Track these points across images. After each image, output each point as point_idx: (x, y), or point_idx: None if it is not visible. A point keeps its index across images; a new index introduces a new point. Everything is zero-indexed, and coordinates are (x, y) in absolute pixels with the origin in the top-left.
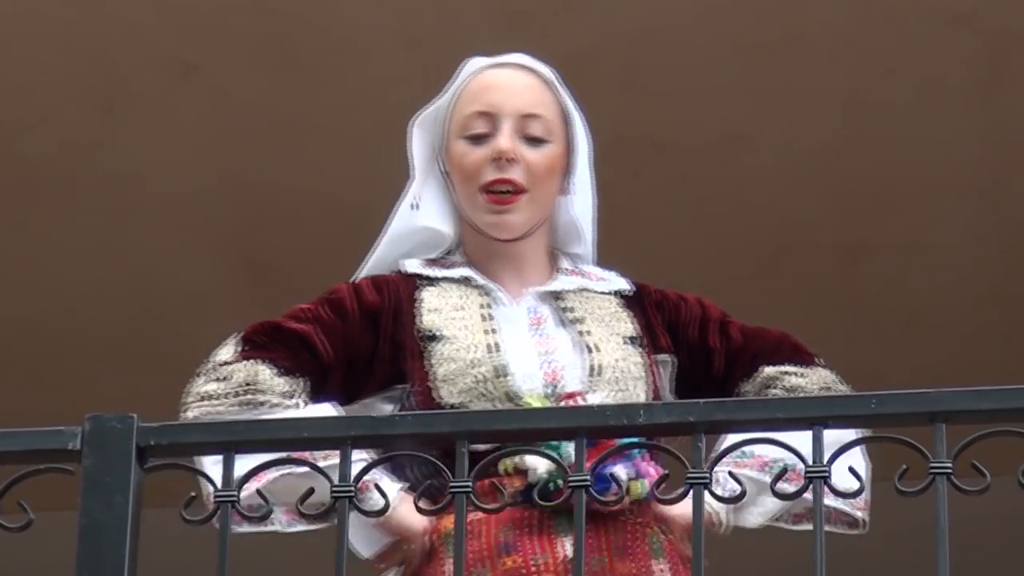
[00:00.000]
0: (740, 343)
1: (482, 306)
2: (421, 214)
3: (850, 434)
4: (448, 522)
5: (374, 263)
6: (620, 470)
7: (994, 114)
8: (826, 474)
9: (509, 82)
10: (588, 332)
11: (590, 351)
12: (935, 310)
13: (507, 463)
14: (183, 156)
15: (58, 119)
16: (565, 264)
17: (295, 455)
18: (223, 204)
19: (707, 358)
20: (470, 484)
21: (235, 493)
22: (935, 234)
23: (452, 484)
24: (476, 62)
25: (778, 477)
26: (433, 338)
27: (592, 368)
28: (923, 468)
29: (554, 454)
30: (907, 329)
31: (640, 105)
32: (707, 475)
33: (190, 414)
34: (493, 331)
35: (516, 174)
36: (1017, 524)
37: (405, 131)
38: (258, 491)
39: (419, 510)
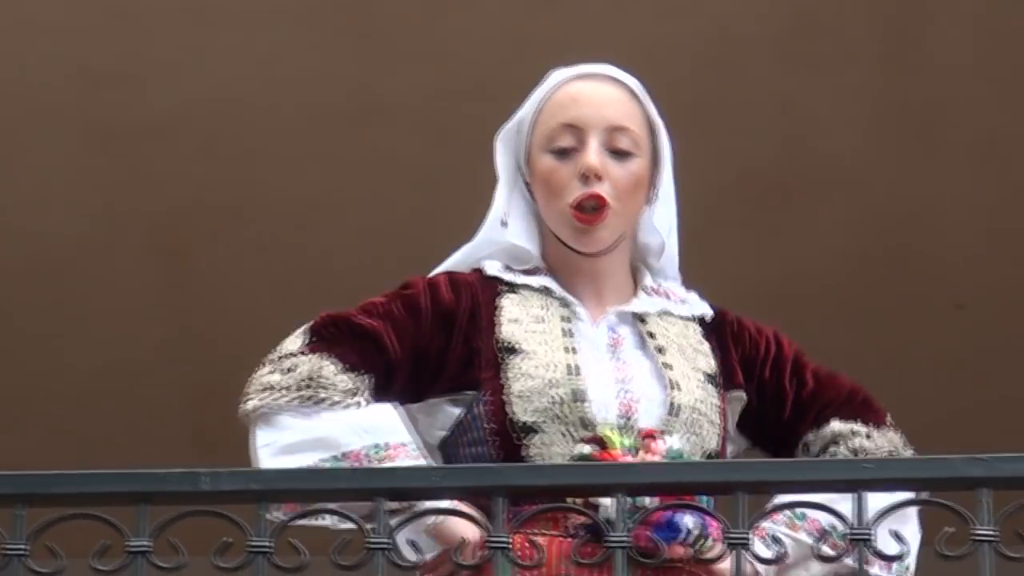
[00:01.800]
0: (812, 390)
1: (563, 319)
2: (510, 231)
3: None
4: (514, 539)
5: (454, 263)
6: (690, 520)
7: None
8: (869, 537)
9: (596, 94)
10: (670, 365)
11: (671, 387)
12: None
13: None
14: None
15: None
16: (648, 282)
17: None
18: None
19: (778, 401)
20: (508, 538)
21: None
22: None
23: (490, 538)
24: (561, 73)
25: (819, 540)
26: (512, 350)
27: (672, 406)
28: None
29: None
30: None
31: (219, 171)
32: (745, 536)
33: (251, 404)
34: (573, 350)
35: (603, 190)
36: None
37: None
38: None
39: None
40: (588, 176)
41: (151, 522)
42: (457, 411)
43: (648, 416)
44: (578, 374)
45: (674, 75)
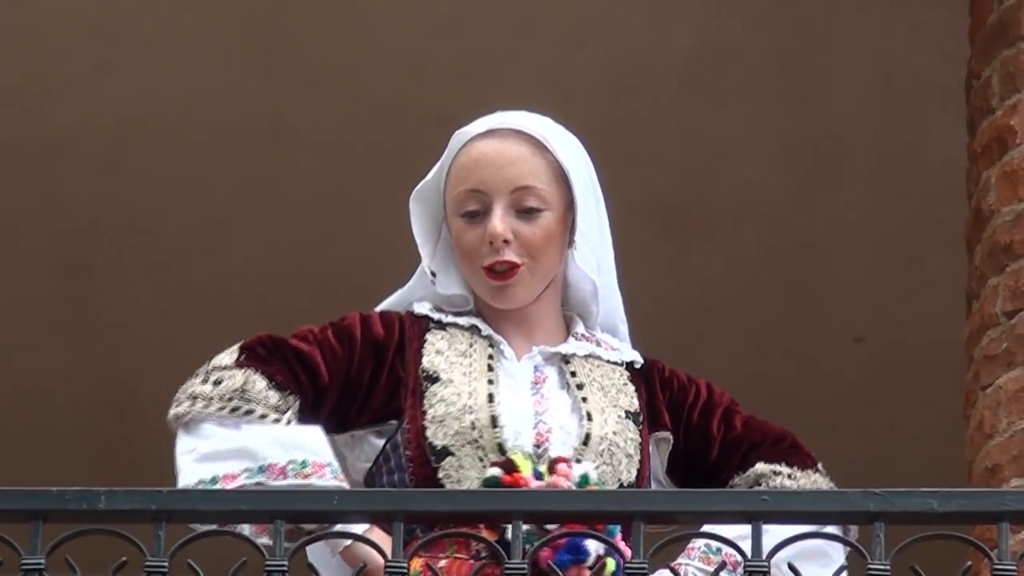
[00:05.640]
0: (738, 433)
1: (489, 356)
2: (439, 284)
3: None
4: (417, 563)
5: (388, 305)
6: (591, 544)
7: None
8: (766, 569)
9: (499, 155)
10: (586, 399)
11: (585, 419)
12: None
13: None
14: None
15: None
16: (579, 329)
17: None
18: None
19: (705, 444)
20: (405, 564)
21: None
22: None
23: (389, 564)
24: (465, 132)
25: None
26: (434, 379)
27: (584, 436)
28: None
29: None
30: None
31: (122, 188)
32: (644, 566)
33: (175, 410)
34: (491, 382)
35: (511, 255)
36: None
37: None
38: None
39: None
40: (494, 242)
41: (48, 540)
42: (381, 442)
43: (561, 446)
44: (493, 402)
45: (579, 103)
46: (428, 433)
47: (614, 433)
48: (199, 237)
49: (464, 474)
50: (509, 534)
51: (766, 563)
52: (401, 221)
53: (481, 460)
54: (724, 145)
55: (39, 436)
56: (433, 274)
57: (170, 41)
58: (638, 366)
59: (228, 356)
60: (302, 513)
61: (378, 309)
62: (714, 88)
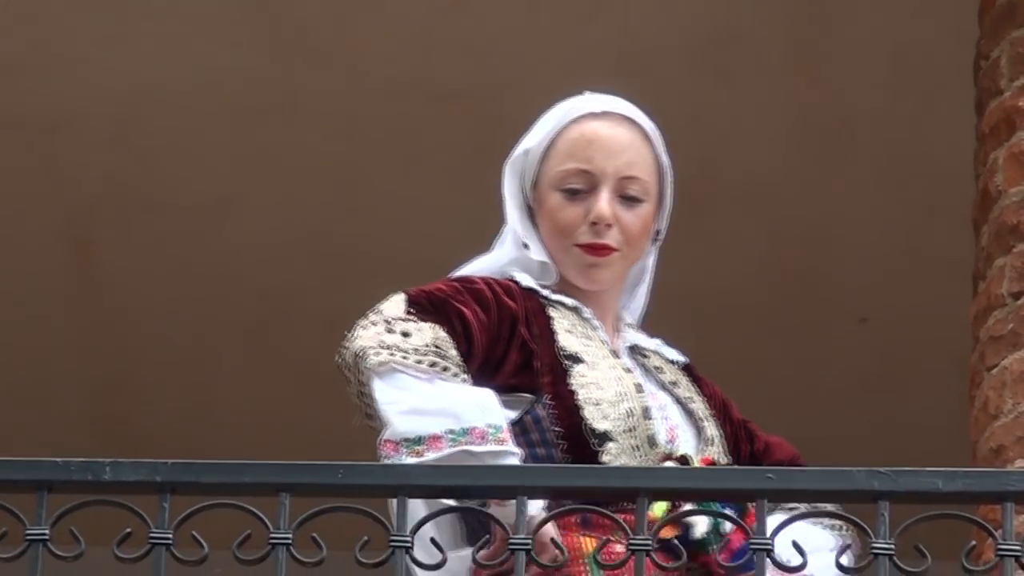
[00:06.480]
0: (764, 448)
1: (602, 342)
2: (533, 252)
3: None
4: (592, 544)
5: (480, 271)
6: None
7: (482, 189)
8: (771, 546)
9: (612, 139)
10: (691, 398)
11: (700, 419)
12: None
13: (662, 509)
14: None
15: None
16: (628, 319)
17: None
18: None
19: (737, 452)
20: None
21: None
22: None
23: (392, 537)
24: (576, 105)
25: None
26: (576, 359)
27: (706, 438)
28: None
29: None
30: None
31: (130, 162)
32: (648, 542)
33: (379, 357)
34: (629, 371)
35: (611, 239)
36: None
37: None
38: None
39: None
40: (598, 224)
41: (52, 511)
42: (511, 413)
43: (686, 445)
44: (643, 392)
45: (586, 82)
46: (586, 414)
47: (718, 435)
48: (205, 213)
49: (624, 461)
50: (694, 531)
51: (770, 541)
52: (408, 198)
53: (635, 449)
54: (731, 125)
55: (44, 409)
56: (526, 246)
57: (177, 16)
58: (680, 364)
59: (396, 307)
60: (307, 486)
61: (471, 272)
62: (722, 68)
